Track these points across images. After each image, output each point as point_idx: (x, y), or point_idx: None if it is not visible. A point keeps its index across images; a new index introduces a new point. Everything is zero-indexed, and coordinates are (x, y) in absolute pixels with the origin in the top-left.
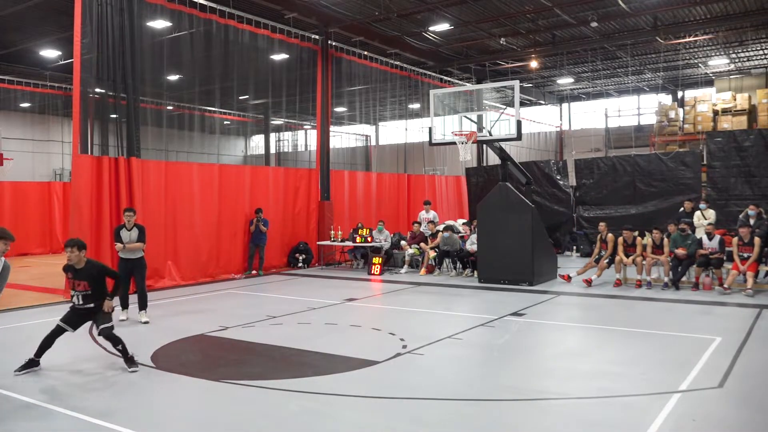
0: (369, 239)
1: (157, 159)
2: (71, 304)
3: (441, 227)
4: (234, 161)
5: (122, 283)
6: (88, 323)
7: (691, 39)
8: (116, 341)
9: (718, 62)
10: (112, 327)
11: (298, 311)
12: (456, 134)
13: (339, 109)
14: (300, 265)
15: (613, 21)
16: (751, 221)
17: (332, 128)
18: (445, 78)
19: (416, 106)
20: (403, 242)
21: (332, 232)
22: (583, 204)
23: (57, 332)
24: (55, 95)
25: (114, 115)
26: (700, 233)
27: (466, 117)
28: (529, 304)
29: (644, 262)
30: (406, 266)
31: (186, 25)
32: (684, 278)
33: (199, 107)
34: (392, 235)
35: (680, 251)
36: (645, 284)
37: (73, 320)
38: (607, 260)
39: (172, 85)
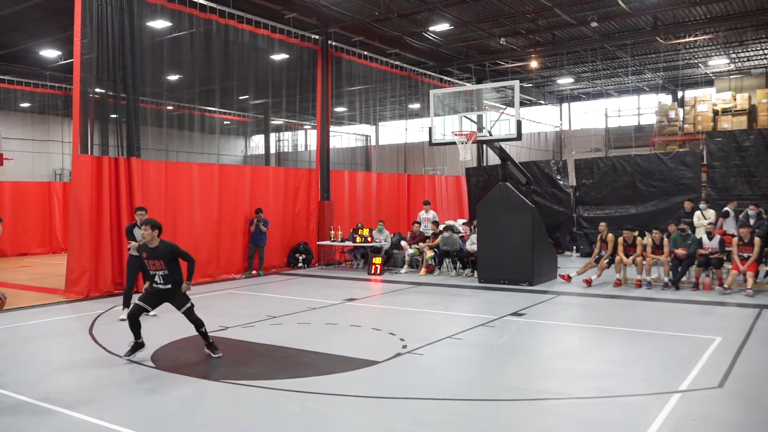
0: (369, 239)
1: (157, 159)
2: (149, 285)
3: (441, 227)
4: (234, 161)
5: (129, 281)
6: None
7: (691, 39)
8: (199, 324)
9: (718, 62)
10: (192, 307)
11: (298, 311)
12: (456, 134)
13: (339, 109)
14: (300, 265)
15: (613, 21)
16: (751, 221)
17: (332, 128)
18: (445, 78)
19: (416, 106)
20: (403, 242)
21: (332, 232)
22: (583, 204)
23: (137, 312)
24: (55, 95)
25: (114, 115)
26: (700, 233)
27: (466, 117)
28: (529, 304)
29: (644, 262)
30: (406, 266)
31: (186, 25)
32: (684, 278)
33: (199, 107)
34: (392, 235)
35: (680, 251)
36: (645, 284)
37: (150, 301)
38: (607, 260)
39: (172, 85)
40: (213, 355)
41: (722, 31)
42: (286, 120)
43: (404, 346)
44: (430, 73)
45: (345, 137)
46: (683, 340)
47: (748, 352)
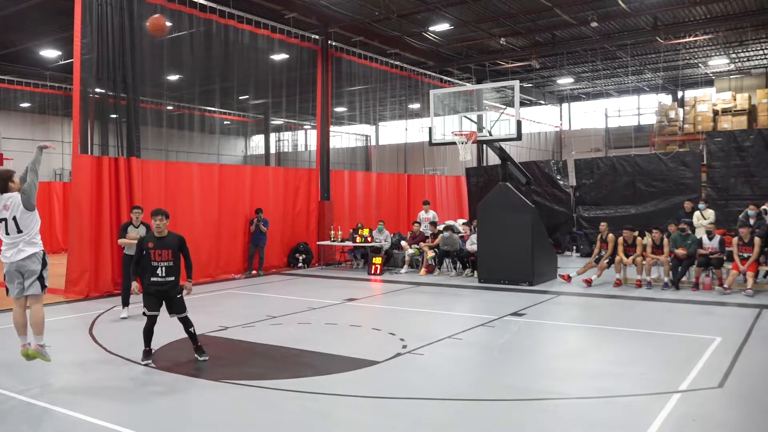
0: (369, 239)
1: (157, 159)
2: (149, 284)
3: (441, 227)
4: (234, 161)
5: (127, 280)
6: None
7: (691, 39)
8: (189, 324)
9: (718, 62)
10: (186, 311)
11: (298, 311)
12: (456, 134)
13: (339, 109)
14: (300, 265)
15: (613, 21)
16: (751, 221)
17: (332, 128)
18: (445, 78)
19: (416, 106)
20: (403, 242)
21: (332, 232)
22: (583, 204)
23: (152, 323)
24: (55, 95)
25: (114, 115)
26: (699, 233)
27: (466, 117)
28: (529, 304)
29: (644, 262)
30: (406, 266)
31: (186, 25)
32: (684, 278)
33: (199, 107)
34: (392, 235)
35: (680, 251)
36: (645, 284)
37: (156, 305)
38: (607, 260)
39: (172, 85)
40: (199, 358)
41: (722, 31)
42: (286, 120)
43: (404, 346)
44: (430, 73)
45: (345, 137)
46: (683, 340)
47: (748, 352)
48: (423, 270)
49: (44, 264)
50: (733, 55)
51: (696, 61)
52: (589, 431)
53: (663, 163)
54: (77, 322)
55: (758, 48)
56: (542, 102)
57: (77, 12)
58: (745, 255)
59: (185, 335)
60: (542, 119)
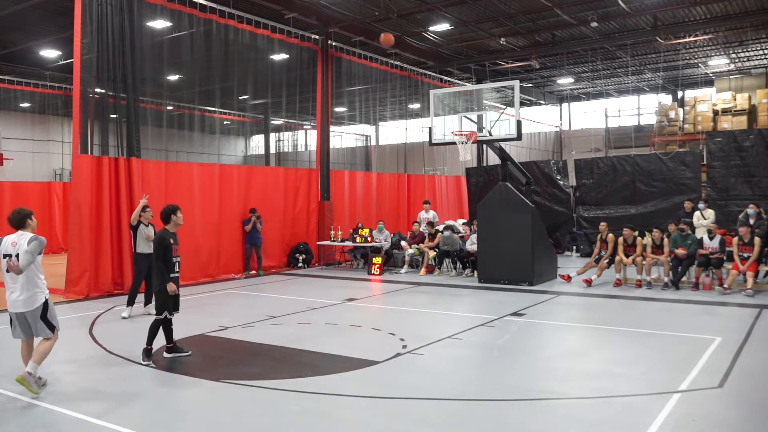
0: (369, 239)
1: (157, 159)
2: (173, 279)
3: (441, 227)
4: (234, 161)
5: (138, 279)
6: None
7: (691, 39)
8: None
9: (718, 62)
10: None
11: (298, 311)
12: (456, 134)
13: (339, 109)
14: (300, 265)
15: (613, 21)
16: (751, 221)
17: (332, 128)
18: (445, 78)
19: (416, 106)
20: (403, 242)
21: (332, 232)
22: (583, 204)
23: (170, 323)
24: (55, 95)
25: (114, 115)
26: (699, 233)
27: (466, 117)
28: (529, 304)
29: (644, 262)
30: (406, 266)
31: (186, 25)
32: (684, 278)
33: (199, 107)
34: (392, 235)
35: (680, 251)
36: (645, 284)
37: (176, 304)
38: (607, 260)
39: (172, 85)
40: (142, 362)
41: (722, 31)
42: (286, 120)
43: (404, 346)
44: (430, 73)
45: (345, 137)
46: (683, 340)
47: (748, 352)
48: (423, 270)
49: (45, 308)
50: (733, 55)
51: (696, 61)
52: (589, 431)
53: (663, 163)
54: (77, 322)
55: (758, 48)
56: (542, 102)
57: (77, 12)
58: (745, 255)
59: (185, 335)
60: (542, 119)
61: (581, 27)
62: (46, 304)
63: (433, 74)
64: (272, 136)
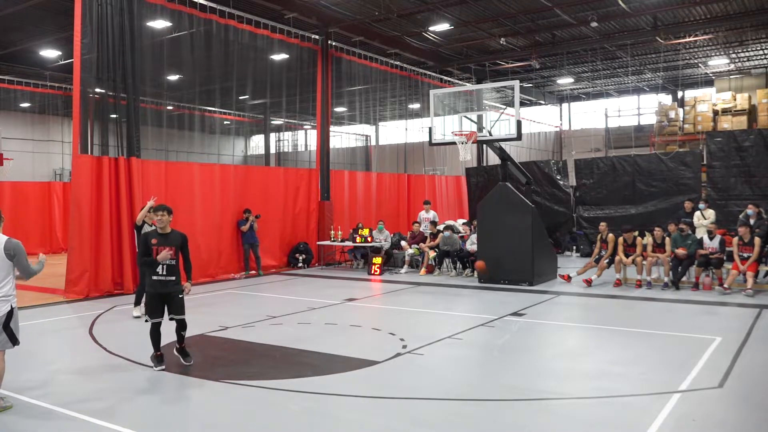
0: (369, 239)
1: (157, 159)
2: (150, 283)
3: (441, 227)
4: (234, 161)
5: (142, 279)
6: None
7: (691, 39)
8: (183, 326)
9: (718, 62)
10: (184, 314)
11: (298, 311)
12: (456, 134)
13: (339, 109)
14: (300, 265)
15: (613, 21)
16: (751, 221)
17: (332, 128)
18: (445, 78)
19: (416, 106)
20: (403, 242)
21: (332, 232)
22: (583, 204)
23: (157, 328)
24: (55, 95)
25: (114, 115)
26: (699, 233)
27: (466, 117)
28: (529, 304)
29: (644, 262)
30: (406, 266)
31: (186, 25)
32: (684, 278)
33: (199, 107)
34: (392, 235)
35: (680, 251)
36: (645, 284)
37: (159, 310)
38: (607, 260)
39: (172, 85)
40: (182, 360)
41: (722, 31)
42: (286, 120)
43: (404, 346)
44: (430, 73)
45: (345, 137)
46: (683, 340)
47: (748, 352)
48: (423, 270)
49: (9, 317)
50: (733, 55)
51: (696, 61)
52: (589, 431)
53: (663, 163)
54: (77, 322)
55: (758, 48)
56: (542, 102)
57: (77, 12)
58: (745, 255)
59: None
60: (542, 119)
61: (581, 27)
62: (11, 312)
63: (433, 74)
64: (272, 136)
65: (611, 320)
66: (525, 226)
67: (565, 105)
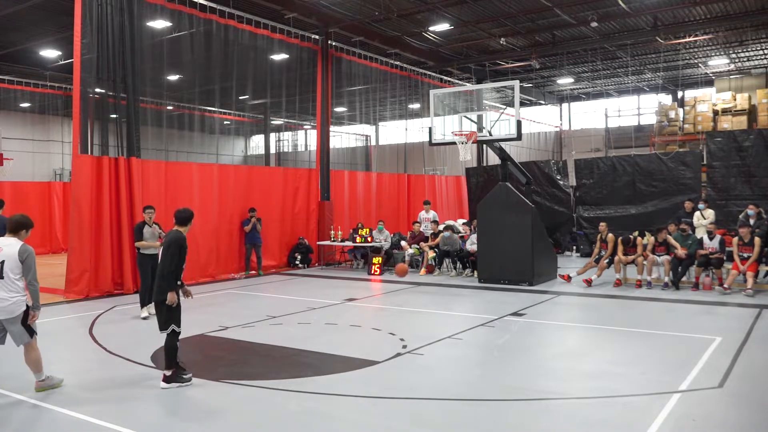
0: (369, 239)
1: (157, 159)
2: (178, 288)
3: (441, 227)
4: (234, 161)
5: (145, 280)
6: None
7: (691, 39)
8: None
9: (718, 62)
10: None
11: (298, 311)
12: (456, 134)
13: (339, 109)
14: (300, 265)
15: (613, 21)
16: (751, 221)
17: (332, 128)
18: (445, 78)
19: (416, 106)
20: (403, 242)
21: (332, 232)
22: (583, 204)
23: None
24: (55, 95)
25: (114, 115)
26: (699, 233)
27: (466, 117)
28: (529, 304)
29: (644, 262)
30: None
31: (186, 25)
32: (684, 278)
33: (199, 107)
34: (392, 235)
35: (680, 251)
36: (645, 284)
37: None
38: (607, 260)
39: (172, 85)
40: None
41: (722, 31)
42: (286, 120)
43: (404, 346)
44: (430, 73)
45: (345, 137)
46: (683, 340)
47: (748, 352)
48: (423, 270)
49: (26, 315)
50: (733, 55)
51: (696, 61)
52: (589, 431)
53: (663, 163)
54: (77, 322)
55: (758, 48)
56: (542, 102)
57: (77, 12)
58: (745, 255)
59: (185, 335)
60: (542, 119)
61: (581, 27)
62: (27, 310)
63: (433, 74)
64: (272, 136)
65: (611, 320)
66: (525, 226)
67: (565, 105)
